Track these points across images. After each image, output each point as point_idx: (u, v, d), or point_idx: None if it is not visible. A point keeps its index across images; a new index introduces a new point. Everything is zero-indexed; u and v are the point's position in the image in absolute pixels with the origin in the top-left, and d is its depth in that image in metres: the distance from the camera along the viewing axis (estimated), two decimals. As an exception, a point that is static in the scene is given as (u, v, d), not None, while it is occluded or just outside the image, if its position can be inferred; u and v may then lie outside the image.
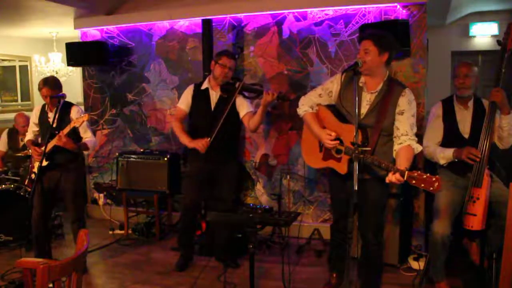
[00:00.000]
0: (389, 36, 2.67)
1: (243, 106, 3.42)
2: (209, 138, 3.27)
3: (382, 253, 2.93)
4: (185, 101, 3.55)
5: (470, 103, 3.01)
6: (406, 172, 2.21)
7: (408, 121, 2.55)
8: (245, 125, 3.46)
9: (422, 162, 3.90)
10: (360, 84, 2.65)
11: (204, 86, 3.50)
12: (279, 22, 4.30)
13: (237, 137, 3.61)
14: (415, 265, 3.47)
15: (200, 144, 3.28)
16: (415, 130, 2.57)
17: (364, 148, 2.46)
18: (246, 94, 3.39)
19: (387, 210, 3.23)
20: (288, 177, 4.36)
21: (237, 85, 3.29)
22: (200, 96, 3.49)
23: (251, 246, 2.60)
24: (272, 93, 3.16)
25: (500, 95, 2.77)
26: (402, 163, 2.40)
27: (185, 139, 3.44)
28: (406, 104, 2.56)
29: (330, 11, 4.12)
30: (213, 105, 3.45)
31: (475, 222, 2.76)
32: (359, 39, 2.71)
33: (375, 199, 2.75)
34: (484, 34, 5.83)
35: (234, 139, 3.57)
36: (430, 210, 3.11)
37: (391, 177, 2.27)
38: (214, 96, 3.45)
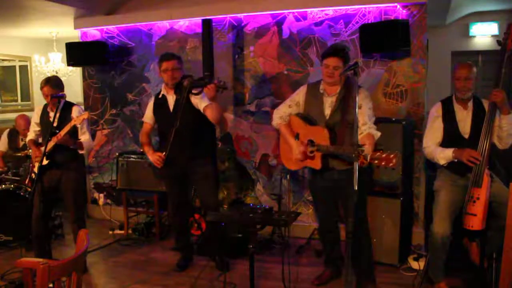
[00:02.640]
0: (347, 50, 3.15)
1: (199, 101, 3.35)
2: (163, 153, 3.30)
3: (367, 246, 3.11)
4: (148, 115, 3.59)
5: (470, 103, 3.01)
6: (369, 155, 2.44)
7: (366, 113, 2.91)
8: (208, 117, 3.38)
9: (422, 162, 3.90)
10: (321, 91, 3.05)
11: (161, 94, 3.51)
12: (279, 22, 4.30)
13: (205, 134, 3.53)
14: (415, 265, 3.47)
15: (155, 159, 3.34)
16: (373, 120, 2.93)
17: (364, 148, 2.53)
18: (195, 91, 3.29)
19: (368, 204, 3.32)
20: (288, 177, 4.36)
21: (185, 83, 3.27)
22: (160, 104, 3.50)
23: (251, 246, 2.61)
24: (210, 87, 3.22)
25: (501, 96, 2.77)
26: (368, 149, 2.66)
27: (147, 153, 3.49)
28: (363, 98, 2.92)
29: (330, 11, 4.12)
30: (171, 109, 3.44)
31: (475, 222, 2.76)
32: (324, 55, 2.99)
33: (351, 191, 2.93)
34: (484, 34, 5.83)
35: (203, 137, 3.50)
36: (430, 210, 3.11)
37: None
38: (171, 100, 3.44)
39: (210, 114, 3.29)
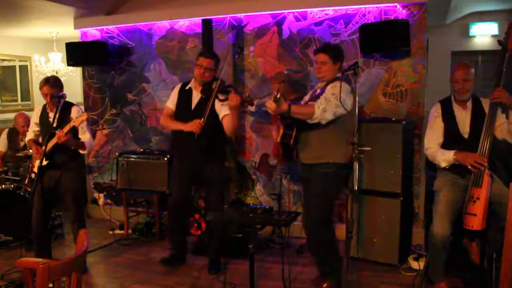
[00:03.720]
0: (339, 47, 3.16)
1: (221, 108, 3.34)
2: (202, 119, 3.23)
3: (325, 251, 3.06)
4: (173, 100, 3.59)
5: (469, 103, 3.01)
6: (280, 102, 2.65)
7: (325, 95, 2.89)
8: (224, 127, 3.38)
9: (422, 162, 3.90)
10: (317, 89, 3.14)
11: (188, 86, 3.52)
12: (279, 22, 4.30)
13: (219, 139, 3.50)
14: (415, 265, 3.47)
15: (195, 126, 3.25)
16: (331, 102, 2.85)
17: (364, 148, 2.60)
18: (222, 97, 3.22)
19: (333, 202, 3.23)
20: (288, 177, 4.36)
21: (213, 85, 3.26)
22: (184, 96, 3.51)
23: (251, 246, 2.61)
24: (236, 96, 3.09)
25: (503, 95, 2.75)
26: (295, 105, 2.84)
27: (179, 125, 3.41)
28: (329, 88, 2.93)
29: (330, 11, 4.12)
30: (193, 105, 3.44)
31: (475, 222, 2.75)
32: (314, 52, 3.12)
33: (315, 191, 3.02)
34: (484, 34, 5.82)
35: (216, 140, 3.48)
36: (430, 210, 3.11)
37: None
38: (196, 96, 3.44)
39: (227, 124, 3.30)
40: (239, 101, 3.09)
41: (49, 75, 5.80)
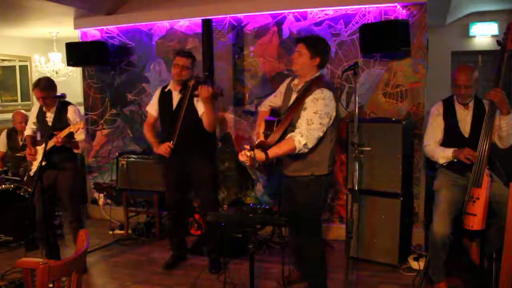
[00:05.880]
0: (323, 41, 2.81)
1: (198, 105, 3.35)
2: (171, 142, 3.33)
3: (314, 261, 2.94)
4: (152, 106, 3.62)
5: (471, 104, 3.01)
6: (252, 150, 2.43)
7: (307, 116, 2.63)
8: (204, 124, 3.37)
9: (422, 162, 3.90)
10: (292, 86, 2.87)
11: (167, 88, 3.54)
12: (279, 22, 4.30)
13: (204, 136, 3.48)
14: (415, 265, 3.47)
15: (164, 149, 3.35)
16: (314, 125, 2.61)
17: (364, 148, 2.54)
18: (196, 92, 3.23)
19: (321, 213, 3.12)
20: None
21: (189, 83, 3.29)
22: (164, 98, 3.53)
23: (251, 246, 2.61)
24: (205, 88, 3.12)
25: (499, 95, 2.77)
26: (273, 148, 2.62)
27: (153, 145, 3.54)
28: (309, 101, 2.66)
29: (330, 11, 4.12)
30: (174, 106, 3.45)
31: (475, 222, 2.76)
32: (296, 41, 2.87)
33: (300, 202, 2.87)
34: (484, 34, 5.83)
35: (202, 138, 3.48)
36: (430, 210, 3.11)
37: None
38: (176, 96, 3.46)
39: (204, 120, 3.32)
40: (208, 93, 3.12)
41: (49, 75, 5.81)
